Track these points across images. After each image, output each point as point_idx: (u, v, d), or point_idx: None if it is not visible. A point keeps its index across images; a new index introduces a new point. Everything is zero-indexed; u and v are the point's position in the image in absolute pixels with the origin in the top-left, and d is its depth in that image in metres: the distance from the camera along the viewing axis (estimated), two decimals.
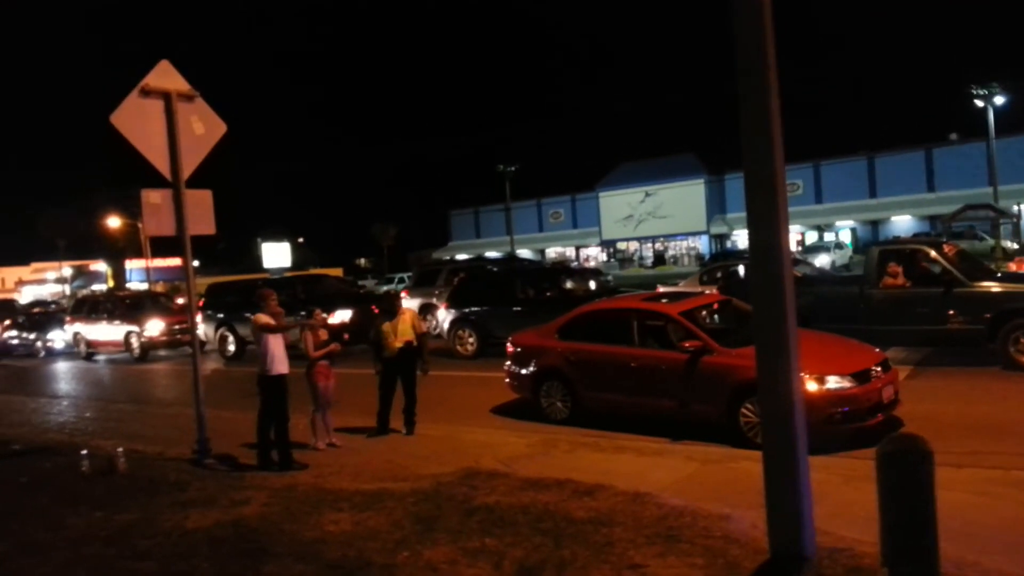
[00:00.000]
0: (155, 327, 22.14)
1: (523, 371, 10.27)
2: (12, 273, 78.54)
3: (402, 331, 9.67)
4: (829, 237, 51.93)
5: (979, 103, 41.17)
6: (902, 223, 53.98)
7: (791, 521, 4.63)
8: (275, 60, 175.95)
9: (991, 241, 31.74)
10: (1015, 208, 36.49)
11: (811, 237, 54.52)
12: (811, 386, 7.55)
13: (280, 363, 8.46)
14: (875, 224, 56.11)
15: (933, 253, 11.70)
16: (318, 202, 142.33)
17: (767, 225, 4.65)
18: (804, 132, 63.94)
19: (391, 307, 10.10)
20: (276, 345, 8.44)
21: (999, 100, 40.86)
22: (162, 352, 22.75)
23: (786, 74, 4.66)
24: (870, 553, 4.43)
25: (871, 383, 7.91)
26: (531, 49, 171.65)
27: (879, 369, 8.15)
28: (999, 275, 12.59)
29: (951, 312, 11.13)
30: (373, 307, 18.30)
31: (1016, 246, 37.06)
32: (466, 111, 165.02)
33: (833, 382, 7.75)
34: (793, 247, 46.60)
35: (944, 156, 53.67)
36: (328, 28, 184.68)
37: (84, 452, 8.81)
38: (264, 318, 8.49)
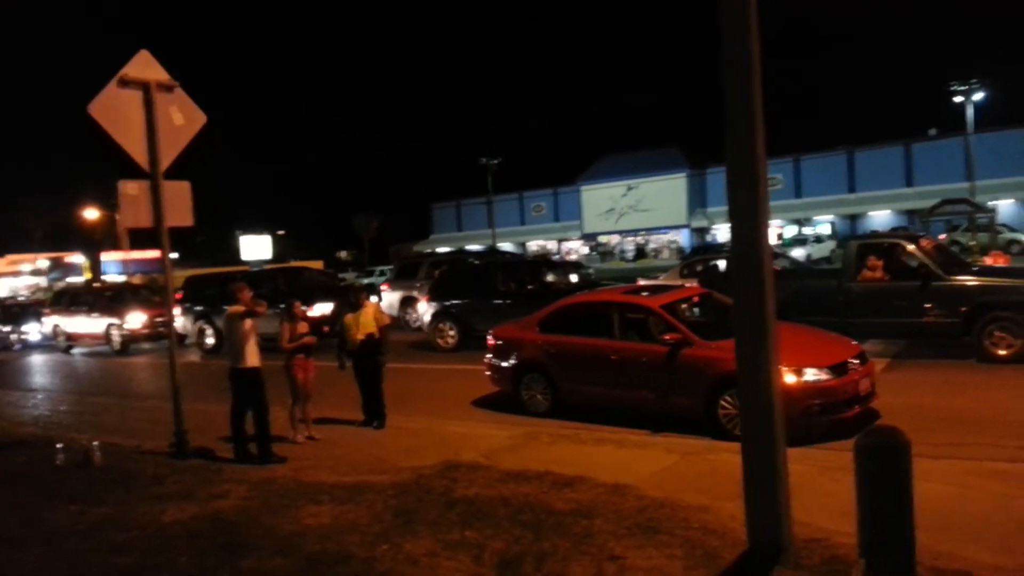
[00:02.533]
0: (136, 320, 21.96)
1: (504, 364, 10.27)
2: None
3: (363, 324, 9.66)
4: (808, 231, 52.32)
5: (958, 99, 41.56)
6: (881, 217, 54.42)
7: (769, 512, 4.67)
8: (256, 51, 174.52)
9: (984, 235, 32.21)
10: (992, 203, 36.93)
11: (790, 231, 54.88)
12: (789, 378, 7.61)
13: (253, 356, 8.40)
14: (854, 218, 56.53)
15: (910, 247, 11.81)
16: (299, 194, 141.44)
17: (748, 219, 4.68)
18: (784, 127, 64.51)
19: (355, 300, 10.10)
20: (249, 338, 8.38)
21: (977, 96, 41.26)
22: (146, 345, 22.56)
23: (768, 69, 4.68)
24: (847, 543, 4.48)
25: (848, 375, 7.99)
26: (514, 43, 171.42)
27: (856, 361, 8.23)
28: (975, 269, 12.73)
29: (928, 305, 11.25)
30: None
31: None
32: (449, 104, 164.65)
33: (811, 374, 7.81)
34: (773, 240, 46.87)
35: (923, 151, 54.13)
36: (310, 22, 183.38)
37: (59, 445, 8.72)
38: (240, 308, 8.41)
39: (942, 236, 35.28)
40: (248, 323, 8.38)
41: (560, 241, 72.42)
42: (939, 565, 4.43)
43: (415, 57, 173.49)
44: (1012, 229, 37.89)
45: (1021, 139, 49.30)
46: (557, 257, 61.09)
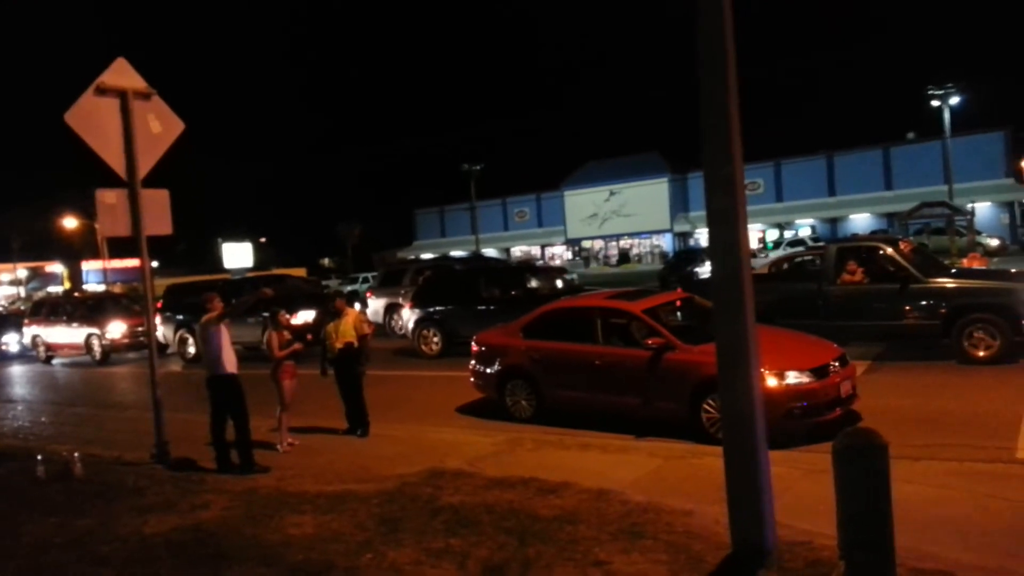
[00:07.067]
0: (117, 329, 21.75)
1: (488, 370, 10.26)
2: None
3: (343, 332, 9.61)
4: (788, 234, 52.67)
5: (935, 103, 42.06)
6: (860, 220, 54.92)
7: (752, 515, 4.68)
8: (237, 59, 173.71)
9: (961, 238, 32.55)
10: (969, 206, 37.31)
11: (772, 235, 55.25)
12: (771, 381, 7.65)
13: (229, 363, 8.33)
14: (834, 222, 57.02)
15: (889, 250, 11.92)
16: (281, 201, 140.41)
17: (726, 223, 4.70)
18: (765, 132, 64.99)
19: (331, 308, 10.05)
20: (225, 345, 8.31)
21: (954, 100, 41.77)
22: (132, 355, 22.35)
23: (746, 74, 4.72)
24: (829, 545, 4.50)
25: (829, 378, 8.03)
26: (496, 49, 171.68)
27: (837, 364, 8.28)
28: (953, 271, 12.85)
29: (907, 308, 11.36)
30: None
31: (996, 241, 38.12)
32: (431, 110, 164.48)
33: (792, 377, 7.85)
34: (754, 245, 47.26)
35: (901, 155, 54.69)
36: (291, 27, 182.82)
37: (40, 457, 8.63)
38: (213, 314, 8.33)
39: (909, 239, 35.47)
40: (223, 329, 8.30)
41: (544, 246, 72.56)
42: (921, 566, 4.46)
43: (396, 63, 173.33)
44: (978, 232, 38.13)
45: (997, 142, 50.03)
46: (541, 263, 61.14)
